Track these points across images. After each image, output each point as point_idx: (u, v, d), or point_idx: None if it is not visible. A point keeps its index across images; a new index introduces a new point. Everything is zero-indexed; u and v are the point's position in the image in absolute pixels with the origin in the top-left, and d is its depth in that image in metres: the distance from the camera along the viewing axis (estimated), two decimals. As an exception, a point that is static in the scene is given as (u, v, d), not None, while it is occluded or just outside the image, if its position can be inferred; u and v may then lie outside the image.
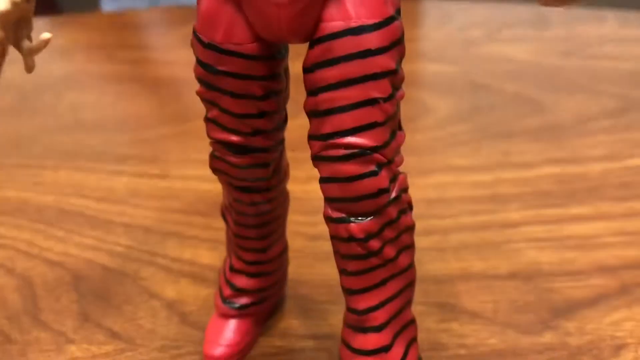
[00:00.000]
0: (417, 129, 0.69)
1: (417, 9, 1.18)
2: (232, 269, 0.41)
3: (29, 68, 0.32)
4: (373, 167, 0.30)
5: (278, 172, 0.37)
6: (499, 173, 0.61)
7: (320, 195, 0.31)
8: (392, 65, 0.29)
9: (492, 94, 0.78)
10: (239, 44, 0.30)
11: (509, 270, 0.48)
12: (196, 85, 0.33)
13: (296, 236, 0.52)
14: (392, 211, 0.31)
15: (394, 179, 0.31)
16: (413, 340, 0.34)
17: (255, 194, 0.36)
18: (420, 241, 0.51)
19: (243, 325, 0.41)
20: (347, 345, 0.34)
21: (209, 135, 0.34)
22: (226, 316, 0.41)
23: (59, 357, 0.42)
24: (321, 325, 0.44)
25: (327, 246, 0.51)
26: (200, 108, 0.82)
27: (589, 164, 0.62)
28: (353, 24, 0.28)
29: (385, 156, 0.30)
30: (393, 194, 0.31)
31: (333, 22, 0.29)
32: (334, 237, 0.32)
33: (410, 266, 0.33)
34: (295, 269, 0.49)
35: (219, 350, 0.40)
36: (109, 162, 0.65)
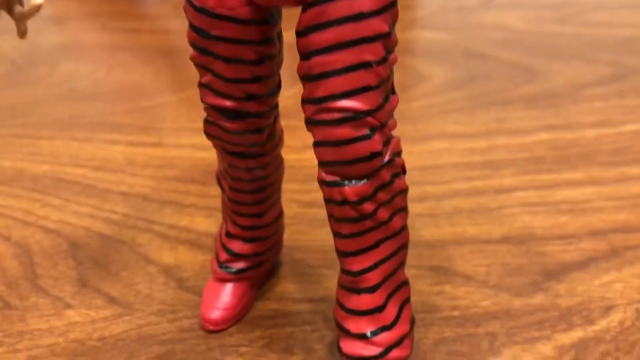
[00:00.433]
0: (412, 97, 0.69)
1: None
2: (228, 234, 0.41)
3: (22, 33, 0.32)
4: (366, 131, 0.30)
5: (272, 138, 0.37)
6: (494, 139, 0.61)
7: (314, 163, 0.32)
8: (385, 28, 0.29)
9: (487, 62, 0.78)
10: (231, 9, 0.30)
11: (502, 235, 0.49)
12: (188, 54, 0.33)
13: (291, 203, 0.53)
14: (385, 174, 0.31)
15: (387, 142, 0.31)
16: (406, 301, 0.34)
17: (249, 159, 0.36)
18: (414, 207, 0.52)
19: (239, 289, 0.42)
20: (341, 306, 0.34)
21: (202, 101, 0.34)
22: (223, 280, 0.42)
23: (58, 322, 0.43)
24: (316, 289, 0.44)
25: (322, 213, 0.52)
26: (194, 77, 0.81)
27: (583, 130, 0.62)
28: (345, -14, 0.28)
29: (378, 119, 0.30)
30: (386, 158, 0.31)
31: (325, -17, 0.28)
32: (328, 201, 0.32)
33: (404, 228, 0.33)
34: (290, 235, 0.49)
35: (215, 314, 0.41)
36: (104, 132, 0.65)
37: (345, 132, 0.30)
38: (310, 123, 0.31)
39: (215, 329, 0.41)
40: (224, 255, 0.41)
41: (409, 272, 0.45)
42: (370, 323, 0.33)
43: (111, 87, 0.74)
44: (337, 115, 0.30)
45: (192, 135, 0.63)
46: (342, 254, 0.33)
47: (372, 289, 0.33)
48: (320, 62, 0.29)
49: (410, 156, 0.59)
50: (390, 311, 0.33)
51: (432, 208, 0.52)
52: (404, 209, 0.33)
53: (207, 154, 0.60)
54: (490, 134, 0.62)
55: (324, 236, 0.49)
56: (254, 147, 0.36)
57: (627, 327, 0.41)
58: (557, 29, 0.84)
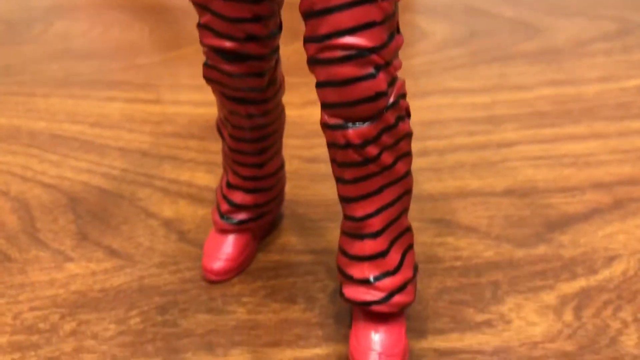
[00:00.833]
0: (413, 53, 0.68)
1: None
2: (229, 185, 0.41)
3: None
4: (371, 70, 0.29)
5: (273, 84, 0.36)
6: (496, 95, 0.60)
7: (315, 119, 0.31)
8: (389, -39, 0.28)
9: (489, 18, 0.77)
10: (231, -58, 0.29)
11: (504, 188, 0.48)
12: (185, 12, 0.32)
13: (293, 159, 0.52)
14: (390, 117, 0.31)
15: (392, 82, 0.30)
16: (410, 247, 0.34)
17: (250, 105, 0.36)
18: (416, 162, 0.52)
19: (241, 240, 0.41)
20: (344, 252, 0.34)
21: (202, 42, 0.33)
22: (224, 231, 0.41)
23: (59, 274, 0.42)
24: (318, 241, 0.44)
25: (323, 168, 0.52)
26: (190, 34, 0.80)
27: (586, 85, 0.62)
28: None
29: (383, 58, 0.29)
30: (391, 99, 0.30)
31: None
32: (330, 145, 0.32)
33: (408, 174, 0.33)
34: (292, 189, 0.49)
35: (217, 264, 0.40)
36: (101, 89, 0.64)
37: (349, 70, 0.29)
38: (313, 62, 0.30)
39: (217, 279, 0.40)
40: (225, 206, 0.41)
41: (412, 225, 0.45)
42: (374, 268, 0.33)
43: (107, 45, 0.73)
44: (340, 53, 0.29)
45: (190, 91, 0.63)
46: (345, 200, 0.33)
47: (375, 235, 0.33)
48: (323, -2, 0.28)
49: (413, 111, 0.58)
50: (394, 257, 0.33)
51: (435, 162, 0.51)
52: (408, 154, 0.33)
53: (206, 110, 0.59)
54: (493, 89, 0.61)
55: (326, 191, 0.49)
56: (254, 92, 0.35)
57: (630, 276, 0.41)
58: (561, -15, 0.82)
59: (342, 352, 0.37)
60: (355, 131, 0.30)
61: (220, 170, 0.51)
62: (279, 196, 0.43)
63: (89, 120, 0.59)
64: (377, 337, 0.34)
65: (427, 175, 0.50)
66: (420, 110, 0.58)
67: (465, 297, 0.39)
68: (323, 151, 0.53)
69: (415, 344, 0.37)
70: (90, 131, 0.57)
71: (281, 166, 0.42)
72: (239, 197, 0.40)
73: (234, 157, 0.39)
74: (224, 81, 0.34)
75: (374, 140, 0.31)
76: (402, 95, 0.32)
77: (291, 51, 0.62)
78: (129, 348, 0.37)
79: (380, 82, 0.29)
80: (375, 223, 0.32)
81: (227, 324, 0.39)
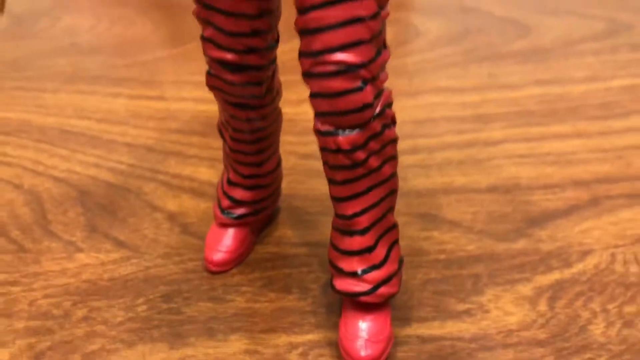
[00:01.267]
0: (407, 52, 0.71)
1: None
2: (230, 182, 0.44)
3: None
4: (359, 83, 0.32)
5: (271, 91, 0.39)
6: (486, 94, 0.63)
7: (310, 117, 0.34)
8: (376, -15, 0.31)
9: (481, 17, 0.79)
10: (232, -34, 0.32)
11: (489, 184, 0.51)
12: (189, 8, 0.35)
13: (289, 155, 0.55)
14: (377, 125, 0.34)
15: (378, 94, 0.33)
16: (395, 242, 0.37)
17: (250, 110, 0.39)
18: (406, 159, 0.55)
19: (240, 233, 0.44)
20: (334, 247, 0.37)
21: (205, 54, 0.36)
22: (225, 225, 0.44)
23: (70, 264, 0.45)
24: (313, 234, 0.47)
25: (318, 164, 0.54)
26: (193, 31, 0.82)
27: (572, 84, 0.64)
28: (340, -55, 0.30)
29: (370, 72, 0.32)
30: (377, 109, 0.33)
31: (321, -57, 0.30)
32: (323, 149, 0.35)
33: (393, 176, 0.36)
34: (288, 184, 0.52)
35: (218, 256, 0.43)
36: (107, 85, 0.67)
37: (339, 84, 0.32)
38: (307, 76, 0.33)
39: (218, 270, 0.44)
40: (226, 202, 0.44)
41: (399, 219, 0.48)
42: (361, 262, 0.36)
43: (112, 41, 0.76)
44: (331, 68, 0.32)
45: (193, 88, 0.65)
46: (336, 199, 0.36)
47: (363, 231, 0.36)
48: (316, 17, 0.31)
49: (405, 110, 0.61)
50: (380, 251, 0.36)
51: (424, 159, 0.54)
52: (393, 157, 0.36)
53: (208, 107, 0.62)
54: (483, 88, 0.64)
55: (320, 186, 0.52)
56: (253, 98, 0.38)
57: (602, 269, 0.44)
58: (553, -16, 0.85)
59: (333, 338, 0.40)
60: (345, 138, 0.33)
61: (220, 166, 0.54)
62: (276, 192, 0.46)
63: (96, 115, 0.62)
64: (364, 325, 0.37)
65: (416, 171, 0.53)
66: (413, 108, 0.61)
67: (447, 288, 0.43)
68: (317, 148, 0.55)
69: (400, 331, 0.40)
70: (98, 127, 0.60)
71: (278, 164, 0.45)
72: (239, 193, 0.43)
73: (234, 156, 0.42)
74: (225, 89, 0.37)
75: (362, 146, 0.34)
76: (389, 105, 0.34)
77: (287, 49, 0.65)
78: (137, 333, 0.41)
79: (367, 94, 0.32)
80: (363, 221, 0.36)
81: (226, 312, 0.42)
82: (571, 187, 0.51)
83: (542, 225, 0.47)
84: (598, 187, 0.51)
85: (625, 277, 0.43)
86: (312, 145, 0.56)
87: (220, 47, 0.35)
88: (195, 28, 0.78)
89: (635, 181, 0.51)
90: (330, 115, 0.33)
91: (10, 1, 0.90)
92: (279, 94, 0.41)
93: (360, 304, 0.37)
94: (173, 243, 0.47)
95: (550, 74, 0.66)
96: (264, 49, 0.36)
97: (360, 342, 0.37)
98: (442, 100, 0.62)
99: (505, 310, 0.41)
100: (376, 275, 0.36)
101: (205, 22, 0.35)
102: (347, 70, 0.32)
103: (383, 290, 0.36)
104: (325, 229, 0.48)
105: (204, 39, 0.36)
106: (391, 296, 0.37)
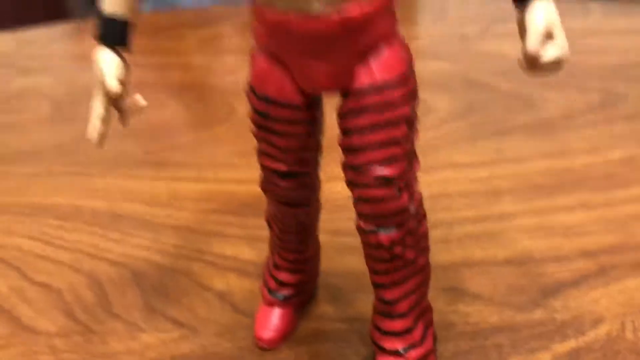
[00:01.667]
0: (421, 129, 0.77)
1: (414, 3, 1.25)
2: (276, 266, 0.49)
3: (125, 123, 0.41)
4: (395, 192, 0.38)
5: (316, 190, 0.45)
6: (494, 169, 0.69)
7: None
8: (408, 112, 0.37)
9: (487, 91, 0.86)
10: (287, 98, 0.38)
11: (505, 257, 0.57)
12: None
13: (321, 233, 0.60)
14: (412, 223, 0.39)
15: (411, 197, 0.39)
16: (430, 322, 0.43)
17: (297, 208, 0.44)
18: (429, 233, 0.60)
19: (286, 312, 0.49)
20: (377, 328, 0.42)
21: (261, 164, 0.42)
22: (272, 305, 0.50)
23: (135, 344, 0.50)
24: (350, 310, 0.52)
25: (347, 240, 0.60)
26: (221, 113, 0.89)
27: (575, 156, 0.70)
28: (377, 83, 0.36)
29: (404, 181, 0.38)
30: (412, 210, 0.39)
31: (361, 79, 0.36)
32: (365, 244, 0.40)
33: (426, 265, 0.41)
34: (323, 262, 0.57)
35: (268, 334, 0.49)
36: (148, 169, 0.73)
37: (379, 192, 0.38)
38: (351, 184, 0.39)
39: (268, 347, 0.49)
40: (272, 284, 0.49)
41: (429, 293, 0.53)
42: (402, 342, 0.41)
43: (147, 125, 0.82)
44: (372, 180, 0.38)
45: (228, 170, 0.71)
46: (377, 286, 0.41)
47: (403, 315, 0.41)
48: (358, 139, 0.37)
49: (422, 186, 0.66)
50: (418, 332, 0.41)
51: (445, 235, 0.60)
52: (426, 249, 0.41)
53: (241, 188, 0.68)
54: (491, 163, 0.70)
55: (352, 263, 0.57)
56: (302, 199, 0.44)
57: (613, 337, 0.49)
58: (551, 57, 0.92)
59: (376, 408, 0.44)
60: (385, 236, 0.39)
61: (259, 244, 0.60)
62: (316, 273, 0.51)
63: (142, 198, 0.68)
64: (405, 397, 0.42)
65: (438, 246, 0.58)
66: (430, 184, 0.66)
67: (475, 358, 0.47)
68: (346, 225, 0.61)
69: (437, 400, 0.45)
70: (144, 210, 0.66)
71: (318, 248, 0.51)
72: (284, 276, 0.49)
73: (281, 244, 0.48)
74: (277, 192, 0.43)
75: (400, 242, 0.39)
76: (420, 204, 0.40)
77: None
78: (200, 408, 0.45)
79: (404, 200, 0.38)
80: (403, 305, 0.41)
81: (278, 385, 0.47)
82: (580, 258, 0.56)
83: (556, 296, 0.52)
84: (604, 257, 0.56)
85: (635, 344, 0.48)
86: (340, 222, 0.62)
87: (274, 159, 0.41)
88: (222, 111, 0.85)
89: (639, 251, 0.56)
90: (371, 217, 0.39)
91: (49, 86, 0.97)
92: (319, 190, 0.47)
93: (402, 378, 0.42)
94: (224, 321, 0.52)
95: (555, 146, 0.72)
96: (311, 159, 0.42)
97: (401, 412, 0.41)
98: (454, 176, 0.68)
99: (527, 377, 0.46)
100: (416, 353, 0.41)
101: (262, 140, 0.41)
102: (385, 182, 0.37)
103: (421, 365, 0.42)
104: (360, 305, 0.53)
105: (260, 151, 0.42)
106: (428, 370, 0.42)
